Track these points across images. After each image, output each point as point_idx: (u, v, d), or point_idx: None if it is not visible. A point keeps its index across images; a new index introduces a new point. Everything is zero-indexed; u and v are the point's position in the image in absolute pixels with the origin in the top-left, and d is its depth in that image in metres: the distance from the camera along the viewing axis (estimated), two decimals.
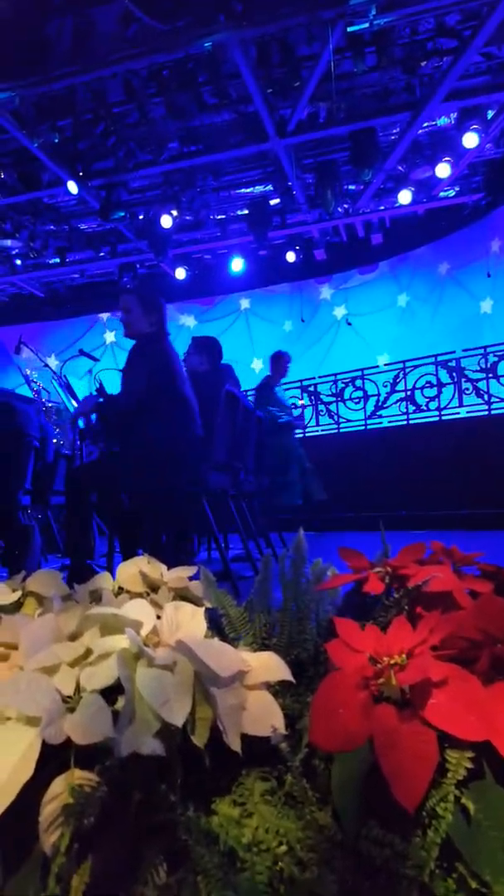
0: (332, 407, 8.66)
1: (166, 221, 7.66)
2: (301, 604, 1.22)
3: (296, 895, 0.75)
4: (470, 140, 6.54)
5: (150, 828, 0.83)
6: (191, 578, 1.33)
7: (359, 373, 8.39)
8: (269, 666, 0.96)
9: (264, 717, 0.89)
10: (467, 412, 7.39)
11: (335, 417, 8.59)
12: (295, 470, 5.75)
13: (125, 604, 1.01)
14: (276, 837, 0.80)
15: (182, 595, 1.23)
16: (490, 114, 6.65)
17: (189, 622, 1.02)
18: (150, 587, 1.21)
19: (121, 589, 1.16)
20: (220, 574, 2.72)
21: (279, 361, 6.08)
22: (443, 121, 7.12)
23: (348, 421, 8.43)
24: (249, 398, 6.17)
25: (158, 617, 1.02)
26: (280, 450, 5.67)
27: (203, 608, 1.06)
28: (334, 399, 8.64)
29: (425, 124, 6.90)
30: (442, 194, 8.38)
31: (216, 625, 1.19)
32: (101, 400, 2.55)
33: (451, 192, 8.49)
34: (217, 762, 0.89)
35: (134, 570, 1.18)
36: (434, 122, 7.13)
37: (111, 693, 0.86)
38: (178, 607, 1.03)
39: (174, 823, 0.82)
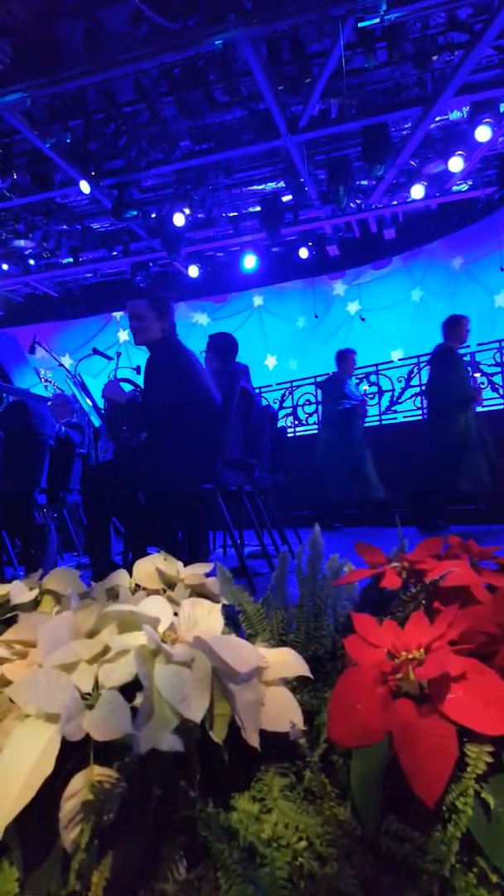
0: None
1: (179, 220, 7.67)
2: (318, 600, 1.22)
3: (316, 890, 0.75)
4: (482, 133, 6.48)
5: (170, 824, 0.83)
6: (207, 575, 1.33)
7: (373, 368, 8.36)
8: (286, 662, 0.96)
9: (282, 712, 0.89)
10: (482, 407, 7.33)
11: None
12: (366, 465, 5.67)
13: (142, 601, 1.01)
14: (296, 833, 0.80)
15: (198, 592, 1.23)
16: (503, 107, 6.58)
17: (206, 619, 1.02)
18: (166, 584, 1.22)
19: (137, 586, 1.16)
20: (236, 570, 2.72)
21: (346, 358, 6.01)
22: (455, 115, 7.06)
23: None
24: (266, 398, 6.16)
25: (175, 614, 1.02)
26: (351, 442, 5.61)
27: (220, 605, 1.06)
28: None
29: (437, 118, 6.85)
30: (455, 188, 8.32)
31: (233, 621, 1.19)
32: (134, 393, 2.54)
33: (464, 186, 8.42)
34: (235, 758, 0.89)
35: (150, 567, 1.19)
36: (446, 117, 7.08)
37: (129, 690, 0.86)
38: (195, 604, 1.03)
39: (193, 819, 0.82)
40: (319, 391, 6.33)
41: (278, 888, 0.74)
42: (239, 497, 3.03)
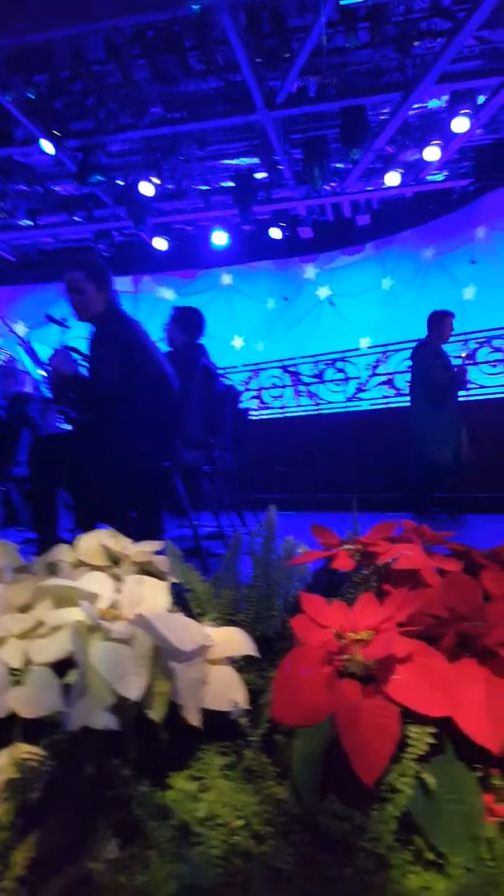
0: (313, 388, 8.67)
1: (147, 189, 7.53)
2: (270, 580, 1.22)
3: (251, 868, 0.75)
4: (460, 124, 6.50)
5: (104, 803, 0.82)
6: (157, 553, 1.31)
7: (340, 355, 8.40)
8: (232, 640, 0.95)
9: (226, 691, 0.89)
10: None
11: (315, 399, 8.60)
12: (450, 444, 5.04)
13: (83, 576, 0.99)
14: (233, 811, 0.79)
15: (146, 569, 1.21)
16: (481, 99, 6.61)
17: (151, 596, 1.00)
18: (112, 561, 1.19)
19: (81, 562, 1.14)
20: (190, 551, 2.71)
21: (441, 321, 5.21)
22: (434, 103, 7.07)
23: (329, 403, 8.44)
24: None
25: (120, 591, 1.00)
26: (442, 418, 5.03)
27: (167, 582, 1.04)
28: (315, 380, 8.65)
29: (416, 106, 6.84)
30: (430, 178, 8.35)
31: (181, 600, 1.18)
32: (79, 367, 2.46)
33: (440, 177, 8.46)
34: (176, 737, 0.88)
35: (95, 542, 1.16)
36: (425, 105, 7.08)
37: (65, 667, 0.84)
38: (139, 581, 1.02)
39: (128, 798, 0.81)
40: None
41: (212, 866, 0.74)
42: (197, 477, 3.01)
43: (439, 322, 5.04)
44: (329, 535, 1.17)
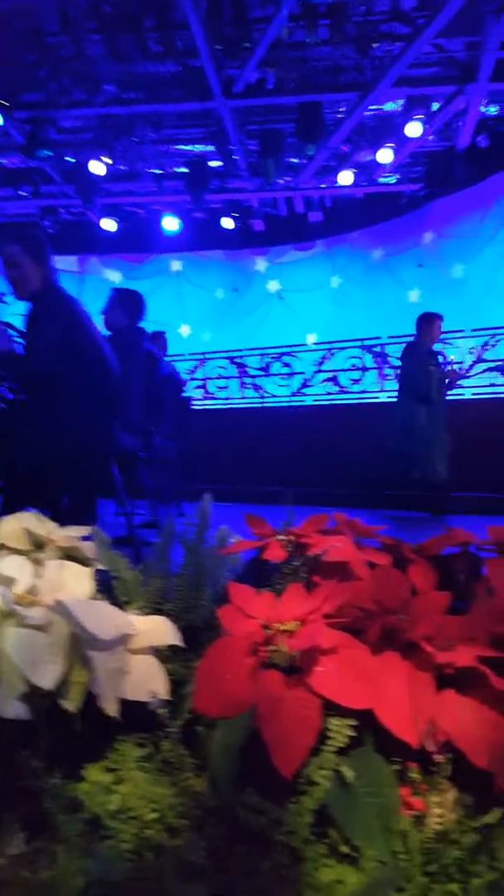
0: (259, 381, 8.68)
1: (97, 167, 7.35)
2: (200, 569, 1.20)
3: (163, 862, 0.73)
4: (413, 129, 6.59)
5: (12, 795, 0.78)
6: (84, 539, 1.27)
7: (287, 349, 8.43)
8: (157, 630, 0.92)
9: (147, 681, 0.86)
10: (388, 397, 7.58)
11: (261, 392, 8.61)
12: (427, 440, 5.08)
13: (1, 560, 0.94)
14: (147, 804, 0.77)
15: (71, 555, 1.16)
16: (435, 106, 6.72)
17: (73, 582, 0.96)
18: (36, 545, 1.14)
19: (2, 545, 1.08)
20: (123, 539, 2.65)
21: (430, 323, 5.25)
22: (389, 106, 7.14)
23: (273, 396, 8.46)
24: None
25: (40, 576, 0.96)
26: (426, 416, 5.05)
27: (90, 569, 1.01)
28: (261, 373, 8.66)
29: (372, 107, 6.90)
30: (382, 180, 8.45)
31: (107, 588, 1.15)
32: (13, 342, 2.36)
33: (392, 179, 8.57)
34: (95, 728, 0.85)
35: (17, 525, 1.11)
36: (381, 107, 7.15)
37: None
38: (61, 566, 0.98)
39: (39, 790, 0.78)
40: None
41: (121, 860, 0.71)
42: (134, 463, 2.96)
43: (429, 324, 5.05)
44: (262, 525, 1.15)
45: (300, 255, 10.02)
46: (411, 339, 5.34)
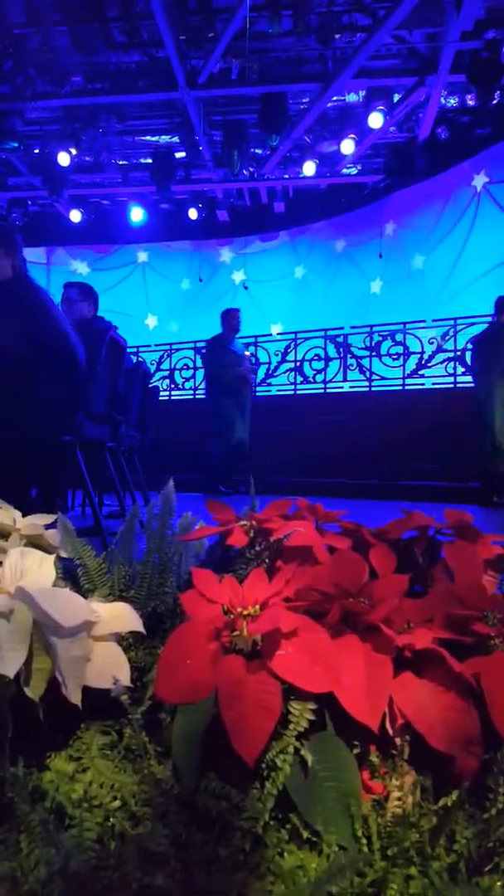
0: None
1: (64, 159, 7.20)
2: (164, 556, 1.17)
3: (126, 851, 0.71)
4: (375, 120, 6.59)
5: None
6: (48, 527, 1.24)
7: (252, 339, 8.39)
8: (119, 616, 0.90)
9: (110, 668, 0.84)
10: (350, 387, 7.61)
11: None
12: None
13: None
14: (110, 792, 0.75)
15: (35, 543, 1.14)
16: (396, 97, 6.73)
17: (36, 570, 0.93)
18: None
19: None
20: (90, 529, 2.62)
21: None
22: (351, 97, 7.13)
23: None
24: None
25: (1, 564, 0.93)
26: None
27: (53, 556, 0.98)
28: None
29: (334, 98, 6.88)
30: (344, 171, 8.45)
31: (71, 575, 1.12)
32: None
33: (354, 171, 8.57)
34: (57, 716, 0.83)
35: None
36: (343, 98, 7.13)
37: None
38: (24, 554, 0.95)
39: (1, 780, 0.75)
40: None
41: (84, 849, 0.69)
42: (101, 453, 2.91)
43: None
44: (225, 510, 1.14)
45: (264, 245, 9.97)
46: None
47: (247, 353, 6.76)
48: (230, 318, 5.70)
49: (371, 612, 0.79)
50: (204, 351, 5.91)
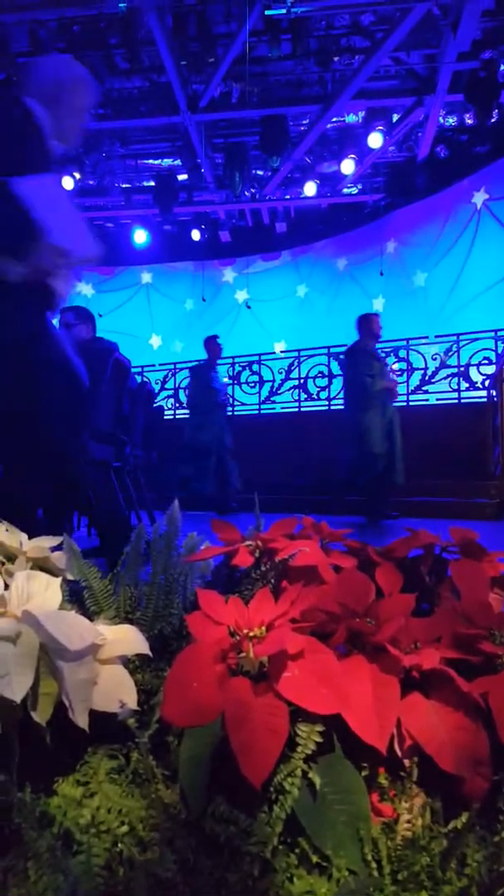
0: (229, 390, 8.64)
1: (67, 183, 7.30)
2: (169, 577, 1.18)
3: (134, 877, 0.70)
4: (374, 140, 6.68)
5: None
6: (55, 549, 1.24)
7: (256, 357, 8.43)
8: (126, 639, 0.90)
9: (116, 691, 0.84)
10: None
11: (230, 400, 8.58)
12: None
13: None
14: (118, 817, 0.75)
15: (41, 566, 1.14)
16: (395, 117, 6.82)
17: (42, 593, 0.94)
18: (5, 557, 1.12)
19: None
20: (97, 550, 2.62)
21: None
22: (351, 118, 7.23)
23: (243, 404, 8.44)
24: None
25: (8, 587, 0.93)
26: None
27: (59, 578, 0.98)
28: (231, 382, 8.63)
29: (334, 119, 6.98)
30: (345, 191, 8.54)
31: (77, 598, 1.13)
32: None
33: (354, 190, 8.66)
34: (63, 740, 0.83)
35: None
36: (343, 119, 7.23)
37: None
38: (30, 577, 0.95)
39: (8, 806, 0.75)
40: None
41: (91, 877, 0.69)
42: (106, 473, 2.92)
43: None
44: (230, 531, 1.14)
45: (267, 264, 10.06)
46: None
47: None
48: (369, 324, 5.00)
49: (378, 632, 0.79)
50: (343, 359, 5.55)
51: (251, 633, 0.79)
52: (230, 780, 0.71)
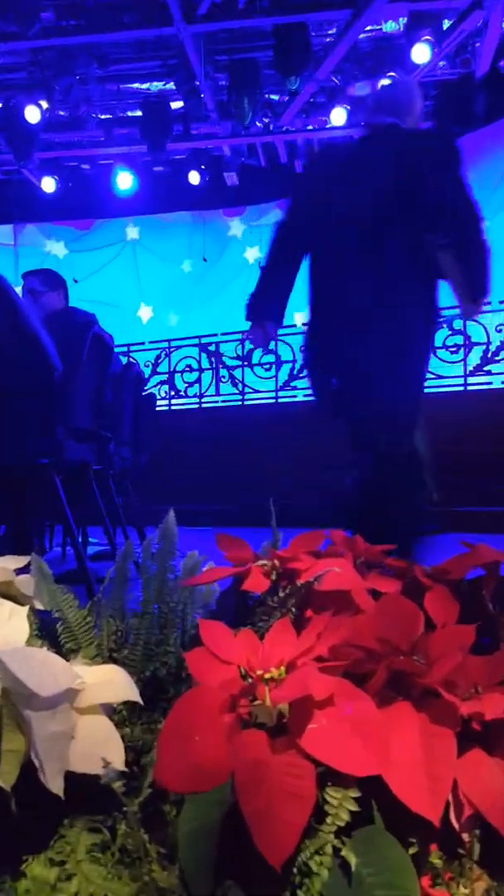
0: (237, 373, 8.66)
1: (32, 114, 7.36)
2: (165, 606, 1.19)
3: None
4: (420, 53, 6.65)
5: None
6: (20, 572, 1.26)
7: None
8: (110, 683, 0.92)
9: (98, 748, 0.85)
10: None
11: (240, 386, 8.61)
12: None
13: None
14: None
15: (4, 592, 1.16)
16: (446, 24, 6.79)
17: (5, 626, 0.95)
18: None
19: None
20: (73, 574, 2.64)
21: None
22: (390, 26, 7.21)
23: (256, 391, 8.46)
24: None
25: None
26: None
27: (26, 608, 1.00)
28: (240, 363, 8.65)
29: (368, 28, 6.96)
30: None
31: (49, 632, 1.14)
32: None
33: None
34: (35, 808, 0.84)
35: None
36: (379, 27, 7.21)
37: None
38: None
39: None
40: None
41: None
42: (85, 479, 2.94)
43: None
44: (239, 547, 1.15)
45: None
46: None
47: None
48: None
49: (428, 673, 0.79)
50: None
51: (267, 675, 0.80)
52: (242, 858, 0.71)
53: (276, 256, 2.61)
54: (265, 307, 2.77)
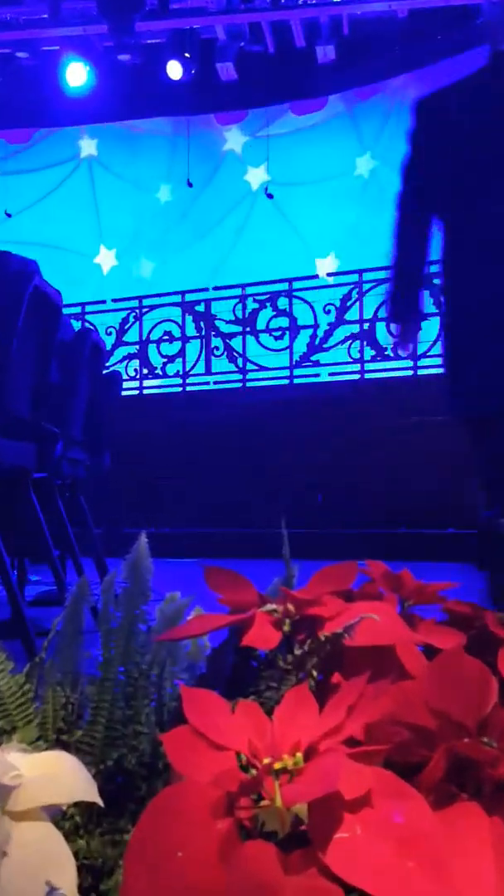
0: (237, 343, 8.66)
1: None
2: (134, 669, 1.20)
3: None
4: None
5: None
6: None
7: (285, 285, 8.45)
8: (57, 777, 0.92)
9: (42, 867, 0.85)
10: None
11: (239, 361, 8.61)
12: None
13: None
14: None
15: None
16: None
17: None
18: None
19: None
20: (7, 625, 2.66)
21: None
22: None
23: (262, 368, 8.46)
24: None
25: None
26: None
27: None
28: (241, 329, 8.66)
29: None
30: None
31: None
32: None
33: None
34: None
35: None
36: None
37: None
38: None
39: None
40: None
41: None
42: (21, 491, 2.96)
43: None
44: (238, 586, 1.15)
45: (301, 120, 10.10)
46: None
47: None
48: None
49: (502, 761, 0.79)
50: None
51: (278, 765, 0.80)
52: None
53: (410, 234, 2.72)
54: (413, 302, 2.99)
